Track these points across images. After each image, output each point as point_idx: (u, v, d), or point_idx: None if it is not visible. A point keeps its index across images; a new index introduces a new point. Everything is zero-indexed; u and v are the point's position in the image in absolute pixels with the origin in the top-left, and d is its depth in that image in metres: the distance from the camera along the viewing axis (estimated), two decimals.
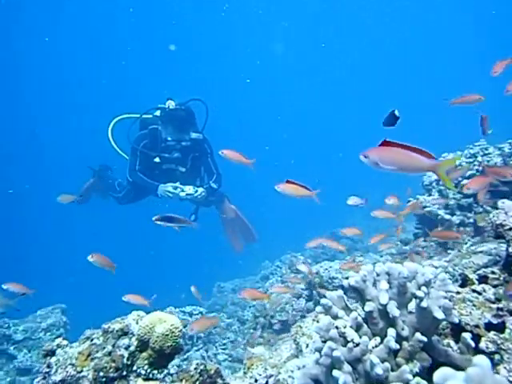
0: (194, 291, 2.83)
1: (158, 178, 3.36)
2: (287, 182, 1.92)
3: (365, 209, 2.60)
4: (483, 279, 1.21)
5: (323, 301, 1.06)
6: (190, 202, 3.52)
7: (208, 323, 2.49)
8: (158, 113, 3.44)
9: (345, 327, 0.99)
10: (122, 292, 2.37)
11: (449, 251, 2.28)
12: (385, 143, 1.13)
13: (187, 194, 3.22)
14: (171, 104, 3.31)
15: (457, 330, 1.06)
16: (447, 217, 2.53)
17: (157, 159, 3.37)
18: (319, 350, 0.99)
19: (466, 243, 2.18)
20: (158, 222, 2.46)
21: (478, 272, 1.25)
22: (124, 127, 3.66)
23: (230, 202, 3.94)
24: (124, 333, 1.17)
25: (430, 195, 2.72)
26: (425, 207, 2.61)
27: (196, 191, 3.23)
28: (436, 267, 1.62)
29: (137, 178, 3.40)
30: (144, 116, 3.49)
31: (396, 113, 1.49)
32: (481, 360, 0.47)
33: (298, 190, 1.95)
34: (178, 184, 3.24)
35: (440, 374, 0.49)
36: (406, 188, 2.92)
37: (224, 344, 3.29)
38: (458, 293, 1.17)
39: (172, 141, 3.34)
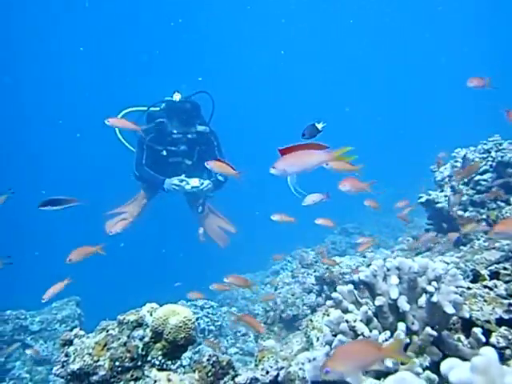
0: (201, 233, 2.87)
1: (165, 172, 3.34)
2: (217, 160, 2.08)
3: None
4: (495, 275, 1.21)
5: (334, 295, 1.08)
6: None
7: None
8: (163, 106, 3.42)
9: (355, 321, 1.00)
10: (133, 287, 2.40)
11: (461, 247, 2.26)
12: (281, 151, 1.24)
13: (193, 187, 3.20)
14: (177, 97, 3.30)
15: (467, 325, 1.06)
16: (460, 213, 2.51)
17: (164, 153, 3.37)
18: (329, 343, 1.01)
19: (479, 239, 2.17)
20: (44, 208, 2.30)
21: (490, 268, 1.25)
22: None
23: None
24: (139, 324, 1.20)
25: (442, 191, 2.70)
26: (437, 203, 2.59)
27: (202, 183, 3.22)
28: (447, 263, 1.62)
29: (144, 173, 3.39)
30: (151, 109, 3.48)
31: (318, 126, 1.53)
32: (487, 350, 0.48)
33: (224, 167, 2.05)
34: (183, 177, 3.22)
35: (447, 363, 0.51)
36: (418, 184, 2.90)
37: (235, 338, 3.32)
38: (469, 288, 1.17)
39: (177, 134, 3.32)
